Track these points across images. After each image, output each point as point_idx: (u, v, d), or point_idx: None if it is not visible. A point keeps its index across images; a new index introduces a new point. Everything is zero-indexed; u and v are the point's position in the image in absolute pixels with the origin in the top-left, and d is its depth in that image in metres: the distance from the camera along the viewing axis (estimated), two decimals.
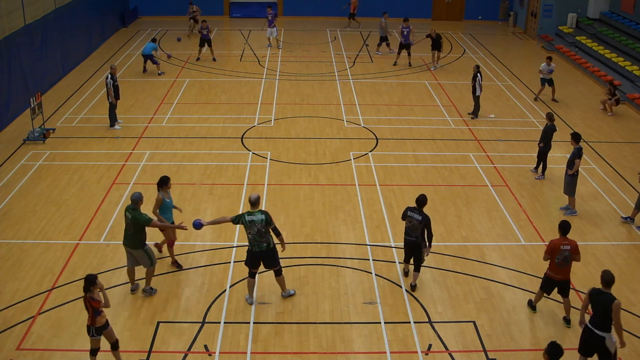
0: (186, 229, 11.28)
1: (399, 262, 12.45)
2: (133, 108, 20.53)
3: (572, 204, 14.49)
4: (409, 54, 25.70)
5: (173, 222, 11.89)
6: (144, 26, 32.05)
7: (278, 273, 11.07)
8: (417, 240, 11.25)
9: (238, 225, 13.59)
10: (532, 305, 11.18)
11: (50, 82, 22.34)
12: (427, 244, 11.37)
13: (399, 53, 25.88)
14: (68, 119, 19.53)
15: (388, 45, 27.54)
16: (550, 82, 21.81)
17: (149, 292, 11.35)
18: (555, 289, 10.86)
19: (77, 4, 25.34)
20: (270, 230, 10.65)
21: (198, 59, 26.00)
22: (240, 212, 11.20)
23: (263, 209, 11.08)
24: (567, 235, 10.66)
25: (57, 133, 18.42)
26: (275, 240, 10.90)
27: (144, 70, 24.29)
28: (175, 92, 22.12)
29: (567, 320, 10.88)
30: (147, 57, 23.96)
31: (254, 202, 10.63)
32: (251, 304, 11.11)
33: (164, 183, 11.89)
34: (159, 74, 23.98)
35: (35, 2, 21.55)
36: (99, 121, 19.34)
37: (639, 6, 26.77)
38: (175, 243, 13.00)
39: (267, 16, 27.91)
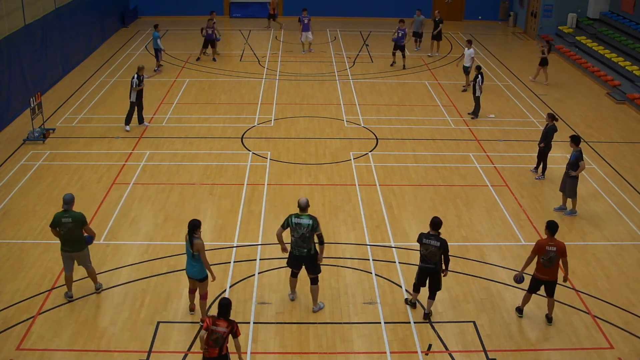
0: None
1: (399, 263, 12.45)
2: None
3: (575, 204, 14.48)
4: (404, 56, 25.61)
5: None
6: (144, 26, 32.02)
7: (314, 281, 10.87)
8: (435, 267, 10.62)
9: (238, 226, 13.69)
10: (519, 310, 11.04)
11: (50, 82, 22.34)
12: (444, 268, 10.74)
13: (393, 54, 25.83)
14: (68, 119, 19.53)
15: (419, 42, 28.21)
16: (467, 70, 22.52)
17: (101, 286, 11.44)
18: (542, 287, 10.83)
19: (77, 4, 25.33)
20: (316, 236, 10.50)
21: (198, 58, 25.97)
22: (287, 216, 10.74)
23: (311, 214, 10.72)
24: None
25: (57, 133, 18.42)
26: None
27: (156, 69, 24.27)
28: (175, 92, 22.12)
29: (549, 319, 10.85)
30: (157, 51, 23.97)
31: (304, 207, 10.53)
32: (292, 299, 11.21)
33: (198, 226, 10.31)
34: (155, 70, 23.92)
35: (35, 2, 21.54)
36: (99, 121, 19.34)
37: (639, 6, 26.77)
38: (176, 243, 13.02)
39: (303, 19, 27.12)
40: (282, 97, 21.87)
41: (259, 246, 12.99)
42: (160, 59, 24.39)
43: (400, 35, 25.08)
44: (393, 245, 13.10)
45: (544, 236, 13.58)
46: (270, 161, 16.81)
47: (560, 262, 10.67)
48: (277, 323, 10.77)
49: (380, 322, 10.84)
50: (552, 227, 10.61)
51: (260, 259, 12.53)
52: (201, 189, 15.28)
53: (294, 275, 11.08)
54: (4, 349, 10.05)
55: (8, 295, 11.34)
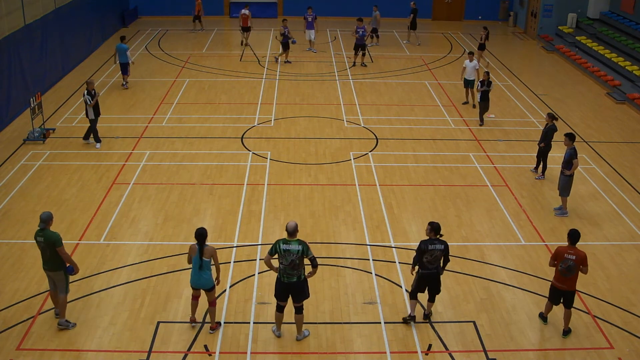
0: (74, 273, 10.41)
1: (399, 263, 12.44)
2: (133, 108, 20.54)
3: (565, 204, 14.47)
4: (364, 54, 25.53)
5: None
6: (144, 26, 32.05)
7: (299, 310, 10.22)
8: (437, 271, 10.50)
9: (238, 226, 13.69)
10: (543, 317, 10.87)
11: (50, 82, 22.35)
12: (442, 267, 10.62)
13: (355, 53, 25.58)
14: (68, 119, 19.52)
15: (376, 38, 29.17)
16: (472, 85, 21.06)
17: (65, 325, 10.48)
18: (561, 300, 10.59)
19: (77, 4, 25.34)
20: (308, 260, 9.88)
21: (277, 59, 25.97)
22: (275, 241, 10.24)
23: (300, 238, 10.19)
24: (580, 249, 10.29)
25: (57, 133, 18.42)
26: (307, 270, 10.17)
27: (124, 84, 22.36)
28: (175, 92, 22.12)
29: (565, 332, 10.61)
30: (124, 65, 22.03)
31: (292, 232, 9.85)
32: (278, 336, 10.43)
33: (206, 236, 10.15)
34: (123, 85, 22.31)
35: (35, 2, 21.55)
36: (99, 121, 19.29)
37: (639, 6, 26.77)
38: (176, 243, 13.03)
39: (307, 17, 27.31)
40: (282, 97, 21.87)
41: (259, 246, 12.99)
42: (129, 74, 22.45)
43: (360, 34, 24.98)
44: (393, 245, 13.10)
45: (546, 236, 13.65)
46: (270, 161, 16.81)
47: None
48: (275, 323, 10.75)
49: (380, 322, 10.84)
50: (572, 235, 10.35)
51: (260, 259, 12.52)
52: (201, 189, 15.28)
53: (280, 309, 10.28)
54: (4, 349, 10.05)
55: (8, 295, 11.34)
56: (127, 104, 20.85)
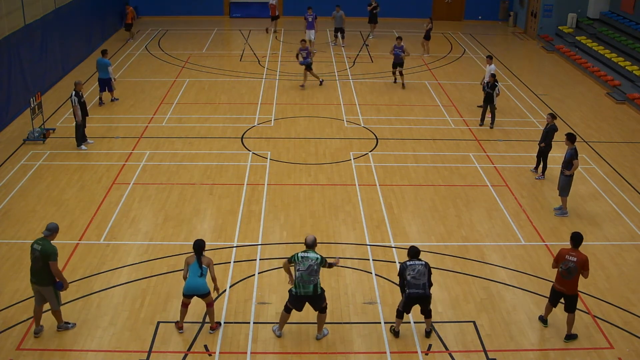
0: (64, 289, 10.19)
1: (399, 263, 12.43)
2: (133, 108, 20.53)
3: (565, 204, 14.48)
4: (401, 74, 23.31)
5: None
6: (144, 26, 32.04)
7: (323, 310, 10.29)
8: (425, 292, 10.08)
9: (238, 226, 13.69)
10: (543, 320, 10.83)
11: (50, 82, 22.34)
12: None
13: (393, 72, 23.48)
14: (68, 119, 19.49)
15: (343, 37, 29.17)
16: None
17: (64, 327, 10.48)
18: (562, 302, 10.55)
19: (77, 4, 25.34)
20: (327, 264, 10.16)
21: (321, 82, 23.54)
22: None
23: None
24: (580, 249, 10.26)
25: (57, 133, 18.41)
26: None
27: (100, 102, 20.62)
28: (175, 92, 22.12)
29: (567, 337, 10.51)
30: (106, 81, 20.42)
31: (310, 245, 10.16)
32: (279, 336, 10.42)
33: (204, 246, 10.38)
34: (112, 100, 20.90)
35: (35, 2, 21.55)
36: (99, 121, 19.34)
37: (639, 6, 26.77)
38: (176, 243, 13.03)
39: (307, 17, 27.28)
40: (282, 97, 21.87)
41: (259, 246, 12.99)
42: (114, 89, 20.83)
43: (396, 52, 22.73)
44: (393, 245, 13.10)
45: (546, 236, 13.64)
46: (270, 161, 16.81)
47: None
48: (277, 323, 10.75)
49: (380, 322, 10.84)
50: (574, 238, 10.33)
51: (260, 259, 12.53)
52: (201, 189, 15.28)
53: (288, 310, 10.31)
54: (4, 349, 10.05)
55: (8, 295, 11.33)
56: (127, 104, 20.85)
